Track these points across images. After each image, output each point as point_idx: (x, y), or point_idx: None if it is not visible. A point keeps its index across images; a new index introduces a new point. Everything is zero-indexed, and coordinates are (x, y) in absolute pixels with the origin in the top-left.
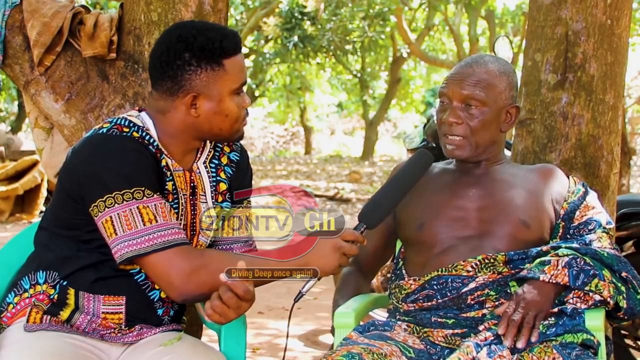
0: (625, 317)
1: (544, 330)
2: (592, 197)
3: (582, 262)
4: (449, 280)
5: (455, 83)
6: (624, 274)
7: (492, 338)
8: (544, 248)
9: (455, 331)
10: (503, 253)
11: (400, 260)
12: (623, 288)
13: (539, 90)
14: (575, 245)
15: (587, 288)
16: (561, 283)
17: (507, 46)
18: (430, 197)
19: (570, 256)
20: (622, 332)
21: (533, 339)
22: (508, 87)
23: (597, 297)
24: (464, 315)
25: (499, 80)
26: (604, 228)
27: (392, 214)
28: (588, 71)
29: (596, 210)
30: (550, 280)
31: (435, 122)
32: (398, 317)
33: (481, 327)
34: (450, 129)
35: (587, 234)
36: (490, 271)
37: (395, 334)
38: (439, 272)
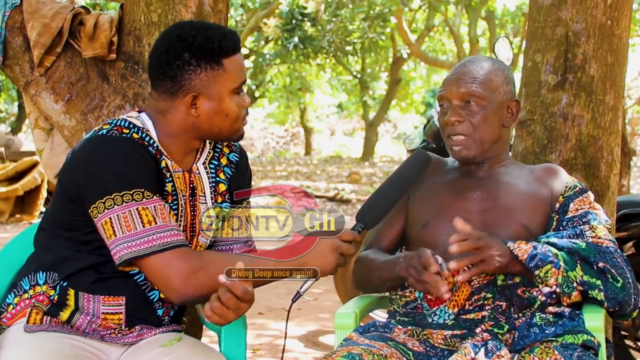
0: (616, 309)
1: (541, 324)
2: (590, 195)
3: (546, 249)
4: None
5: (452, 83)
6: (600, 265)
7: (490, 338)
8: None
9: (455, 332)
10: None
11: None
12: (598, 282)
13: (539, 91)
14: (553, 240)
15: (537, 272)
16: (520, 258)
17: (507, 47)
18: (435, 197)
19: (541, 242)
20: (623, 332)
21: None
22: (505, 81)
23: (546, 290)
24: (464, 316)
25: (495, 75)
26: (600, 222)
27: (405, 210)
28: (588, 72)
29: (593, 205)
30: (514, 250)
31: (436, 123)
32: (398, 318)
33: (478, 330)
34: (453, 128)
35: (580, 226)
36: (483, 273)
37: (396, 336)
38: None
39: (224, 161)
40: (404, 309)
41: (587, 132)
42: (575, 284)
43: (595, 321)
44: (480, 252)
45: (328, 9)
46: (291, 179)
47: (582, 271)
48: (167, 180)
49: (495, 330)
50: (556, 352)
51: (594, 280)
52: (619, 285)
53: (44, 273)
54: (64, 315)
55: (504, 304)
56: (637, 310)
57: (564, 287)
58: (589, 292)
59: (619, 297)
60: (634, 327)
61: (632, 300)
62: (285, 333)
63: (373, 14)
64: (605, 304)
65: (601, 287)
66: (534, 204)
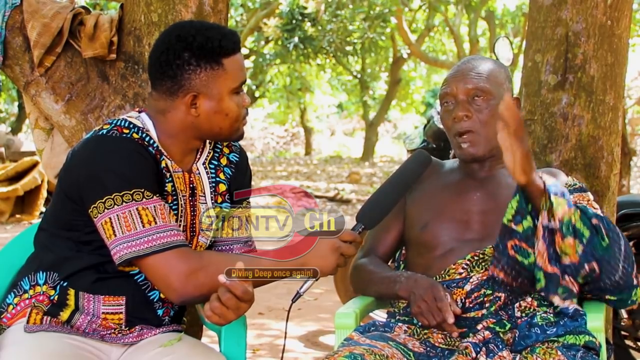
0: (596, 273)
1: (542, 324)
2: (589, 195)
3: (565, 191)
4: (444, 286)
5: (457, 80)
6: (594, 221)
7: (491, 336)
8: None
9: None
10: (490, 245)
11: (401, 262)
12: (586, 233)
13: (539, 91)
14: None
15: (553, 199)
16: (545, 181)
17: (507, 47)
18: (435, 198)
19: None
20: (623, 333)
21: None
22: (507, 79)
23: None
24: (464, 315)
25: (498, 72)
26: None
27: (402, 213)
28: (588, 72)
29: (591, 203)
30: (541, 176)
31: (436, 123)
32: (398, 317)
33: (479, 326)
34: (461, 124)
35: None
36: (482, 268)
37: (396, 335)
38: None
39: (224, 161)
40: (403, 310)
41: (587, 132)
42: (571, 229)
43: (595, 321)
44: (518, 136)
45: (328, 9)
46: (291, 179)
47: (580, 219)
48: (167, 181)
49: (497, 328)
50: (559, 353)
51: (583, 230)
52: (604, 244)
53: (44, 273)
54: (64, 315)
55: (503, 295)
56: (636, 292)
57: (563, 226)
58: (566, 239)
59: (597, 254)
60: (634, 327)
61: (619, 266)
62: (285, 333)
63: (373, 14)
64: (580, 260)
65: (585, 241)
66: None
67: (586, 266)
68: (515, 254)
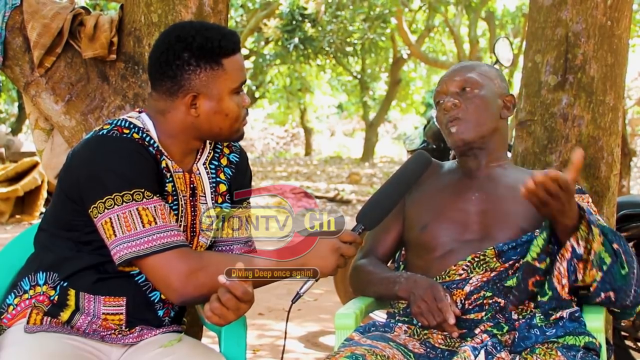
0: (611, 300)
1: (541, 325)
2: (589, 198)
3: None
4: (444, 287)
5: (447, 77)
6: (615, 246)
7: (489, 339)
8: (536, 233)
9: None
10: (491, 247)
11: (400, 263)
12: (608, 260)
13: (539, 91)
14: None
15: (594, 227)
16: (582, 206)
17: (507, 47)
18: (434, 199)
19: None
20: (623, 333)
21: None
22: (498, 77)
23: (580, 250)
24: (464, 317)
25: (489, 70)
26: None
27: (402, 214)
28: (588, 72)
29: (591, 206)
30: (580, 202)
31: (436, 124)
32: (397, 318)
33: (477, 330)
34: (451, 113)
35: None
36: (483, 269)
37: (396, 336)
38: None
39: (224, 161)
40: (403, 311)
41: (587, 133)
42: (599, 261)
43: (595, 322)
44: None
45: (328, 10)
46: (291, 179)
47: (603, 246)
48: (167, 181)
49: (495, 331)
50: (559, 354)
51: (605, 257)
52: (623, 272)
53: (44, 273)
54: (65, 315)
55: (502, 301)
56: (638, 307)
57: (595, 259)
58: (588, 270)
59: (615, 284)
60: (634, 327)
61: (632, 291)
62: (285, 333)
63: (373, 15)
64: (597, 288)
65: (605, 268)
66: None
67: (602, 294)
68: (534, 289)
